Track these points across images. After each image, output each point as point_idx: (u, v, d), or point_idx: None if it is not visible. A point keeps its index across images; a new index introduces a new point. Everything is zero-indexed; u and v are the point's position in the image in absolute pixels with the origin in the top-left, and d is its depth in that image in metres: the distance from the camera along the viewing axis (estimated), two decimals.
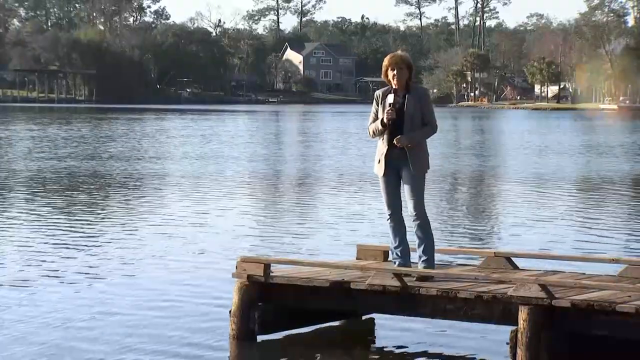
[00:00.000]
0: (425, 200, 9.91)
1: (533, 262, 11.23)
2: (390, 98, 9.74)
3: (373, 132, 9.86)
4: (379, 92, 9.93)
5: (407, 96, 9.77)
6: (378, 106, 9.85)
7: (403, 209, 9.94)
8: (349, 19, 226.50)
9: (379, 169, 9.88)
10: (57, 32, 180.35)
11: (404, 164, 9.77)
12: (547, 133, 64.78)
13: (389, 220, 9.93)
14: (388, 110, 9.69)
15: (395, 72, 9.74)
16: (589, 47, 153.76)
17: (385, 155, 9.80)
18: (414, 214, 9.76)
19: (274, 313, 9.82)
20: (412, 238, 9.95)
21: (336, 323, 10.34)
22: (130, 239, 16.38)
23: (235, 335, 9.69)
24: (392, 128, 9.73)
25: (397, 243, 9.93)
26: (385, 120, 9.70)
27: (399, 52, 10.12)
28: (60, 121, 78.12)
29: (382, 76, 9.88)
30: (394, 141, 9.70)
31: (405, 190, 9.81)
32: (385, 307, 9.49)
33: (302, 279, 9.63)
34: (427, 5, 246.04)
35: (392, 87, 9.79)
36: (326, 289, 9.51)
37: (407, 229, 9.96)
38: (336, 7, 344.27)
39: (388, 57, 9.88)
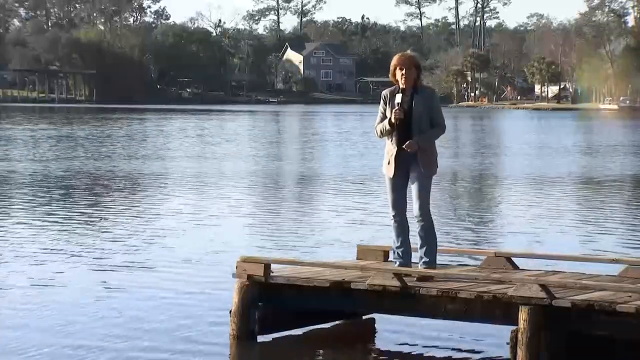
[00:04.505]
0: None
1: (533, 262, 11.23)
2: (399, 97, 9.71)
3: (381, 131, 9.84)
4: (386, 92, 9.90)
5: (414, 96, 9.74)
6: (386, 106, 9.82)
7: (407, 210, 9.92)
8: (349, 19, 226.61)
9: (388, 170, 9.84)
10: (57, 32, 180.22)
11: (414, 164, 9.74)
12: (548, 133, 64.77)
13: (393, 221, 9.91)
14: (396, 110, 9.67)
15: (404, 71, 9.71)
16: (589, 47, 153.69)
17: (395, 156, 9.79)
18: (419, 214, 9.75)
19: (274, 313, 9.82)
20: (413, 238, 9.94)
21: (336, 323, 10.33)
22: (131, 238, 16.37)
23: (235, 335, 9.69)
24: (401, 128, 9.70)
25: (399, 243, 9.92)
26: (392, 120, 9.69)
27: (408, 52, 10.12)
28: (71, 121, 78.19)
29: (390, 76, 9.84)
30: (404, 147, 9.66)
31: (412, 191, 9.79)
32: (386, 307, 9.48)
33: (302, 279, 9.62)
34: (427, 5, 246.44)
35: (399, 86, 9.78)
36: (326, 289, 9.50)
37: (410, 230, 9.95)
38: (336, 7, 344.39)
39: (397, 56, 9.85)
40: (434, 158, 9.84)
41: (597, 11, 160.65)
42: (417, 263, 9.90)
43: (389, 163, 9.84)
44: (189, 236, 16.81)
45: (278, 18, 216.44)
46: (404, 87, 9.74)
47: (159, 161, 35.52)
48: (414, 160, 9.73)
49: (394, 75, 9.79)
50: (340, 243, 15.87)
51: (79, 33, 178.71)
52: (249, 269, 9.70)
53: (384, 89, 10.05)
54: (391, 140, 9.80)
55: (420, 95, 9.76)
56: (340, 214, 20.21)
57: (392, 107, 9.72)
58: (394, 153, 9.77)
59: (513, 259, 10.46)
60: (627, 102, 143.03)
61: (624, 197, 25.27)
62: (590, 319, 8.54)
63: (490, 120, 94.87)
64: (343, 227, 18.11)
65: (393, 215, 9.91)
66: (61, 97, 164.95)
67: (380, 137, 9.91)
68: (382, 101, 9.89)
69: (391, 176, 9.82)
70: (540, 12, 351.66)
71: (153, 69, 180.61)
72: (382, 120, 9.84)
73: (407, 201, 9.91)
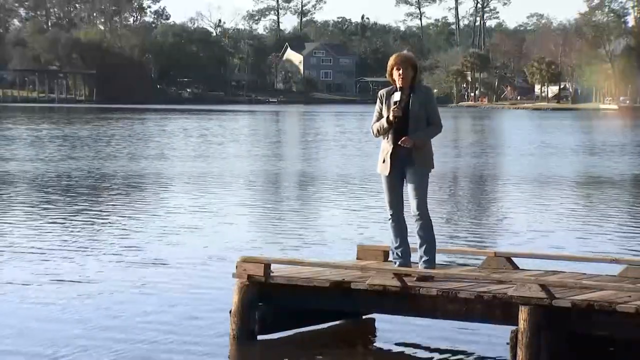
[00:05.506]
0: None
1: (533, 262, 11.22)
2: (397, 96, 9.74)
3: (377, 130, 9.86)
4: (382, 92, 9.93)
5: (411, 95, 9.77)
6: (382, 105, 9.85)
7: (405, 209, 9.93)
8: (349, 19, 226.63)
9: (383, 168, 9.87)
10: (57, 32, 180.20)
11: (409, 163, 9.76)
12: (548, 133, 64.76)
13: (391, 220, 9.92)
14: (394, 108, 9.70)
15: (400, 71, 9.75)
16: (589, 47, 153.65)
17: (390, 154, 9.80)
18: (417, 213, 9.75)
19: (274, 313, 9.82)
20: (413, 238, 9.94)
21: (336, 323, 10.33)
22: (131, 238, 16.37)
23: (235, 335, 9.69)
24: (397, 127, 9.73)
25: (398, 243, 9.92)
26: (391, 117, 9.71)
27: (405, 52, 10.15)
28: (73, 121, 78.10)
29: (387, 76, 9.88)
30: (400, 142, 9.69)
31: (409, 189, 9.80)
32: (385, 307, 9.48)
33: (302, 279, 9.62)
34: (427, 5, 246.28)
35: (396, 86, 9.80)
36: (326, 289, 9.50)
37: (408, 228, 9.95)
38: (336, 7, 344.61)
39: (394, 56, 9.91)
40: (429, 155, 9.86)
41: (597, 11, 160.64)
42: (417, 262, 9.90)
43: (384, 162, 9.85)
44: (189, 236, 16.80)
45: (278, 18, 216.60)
46: (401, 86, 9.77)
47: (163, 161, 35.52)
48: (409, 158, 9.75)
49: (391, 75, 9.84)
50: (340, 243, 15.87)
51: (79, 33, 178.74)
52: (249, 269, 9.70)
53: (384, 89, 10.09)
54: (387, 139, 9.82)
55: (417, 94, 9.80)
56: (340, 214, 20.22)
57: (389, 106, 9.75)
58: (390, 151, 9.79)
59: (513, 259, 10.46)
60: (627, 102, 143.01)
61: (624, 197, 25.26)
62: (590, 319, 8.54)
63: (490, 120, 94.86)
64: (343, 227, 18.10)
65: (390, 215, 9.91)
66: (61, 97, 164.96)
67: (376, 136, 9.95)
68: (378, 100, 9.93)
69: (387, 174, 9.83)
70: (540, 12, 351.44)
71: (153, 69, 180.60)
72: (378, 119, 9.86)
73: (404, 200, 9.92)
